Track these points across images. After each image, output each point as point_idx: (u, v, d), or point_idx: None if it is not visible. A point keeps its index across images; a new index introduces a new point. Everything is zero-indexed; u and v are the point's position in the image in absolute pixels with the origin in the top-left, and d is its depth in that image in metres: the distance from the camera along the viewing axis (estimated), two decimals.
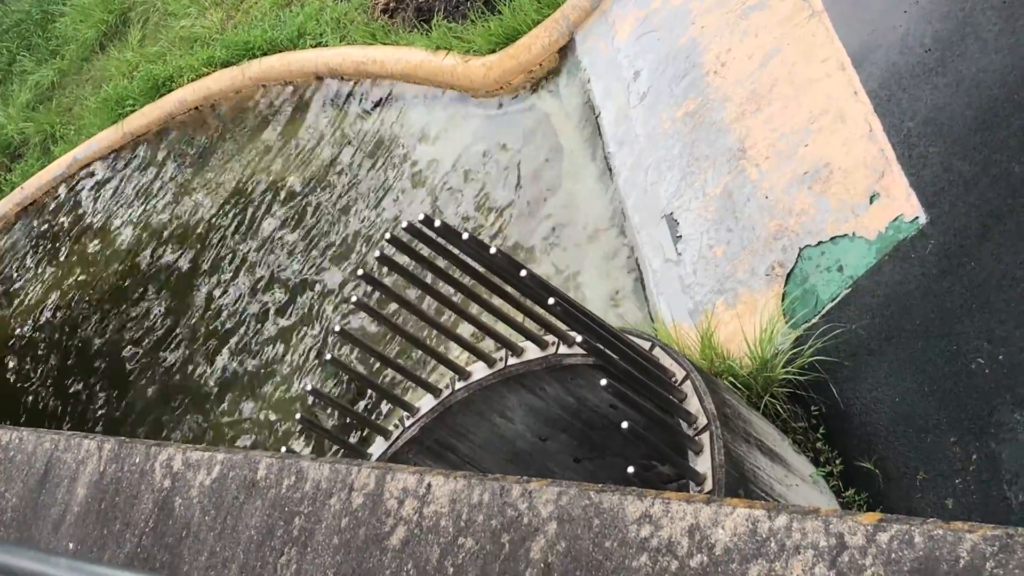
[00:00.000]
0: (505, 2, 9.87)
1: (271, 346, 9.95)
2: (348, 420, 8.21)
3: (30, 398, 12.02)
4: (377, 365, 8.08)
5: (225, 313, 10.71)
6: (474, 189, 9.32)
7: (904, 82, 6.66)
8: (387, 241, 5.30)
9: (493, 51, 9.74)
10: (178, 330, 11.07)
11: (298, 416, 5.76)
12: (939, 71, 6.54)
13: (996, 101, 6.20)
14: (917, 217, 6.17)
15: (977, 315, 5.67)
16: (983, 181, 6.01)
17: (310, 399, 8.63)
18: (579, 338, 4.66)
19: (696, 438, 4.74)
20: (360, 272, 5.34)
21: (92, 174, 14.23)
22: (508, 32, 9.65)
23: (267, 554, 3.15)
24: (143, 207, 13.00)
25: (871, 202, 6.42)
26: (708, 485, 4.59)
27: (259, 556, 3.15)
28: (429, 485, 2.90)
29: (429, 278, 5.92)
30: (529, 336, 5.41)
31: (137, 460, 3.76)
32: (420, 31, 10.66)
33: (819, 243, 6.51)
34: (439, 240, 5.16)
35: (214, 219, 11.81)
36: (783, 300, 6.49)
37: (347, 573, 2.95)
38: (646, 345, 5.28)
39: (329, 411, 8.64)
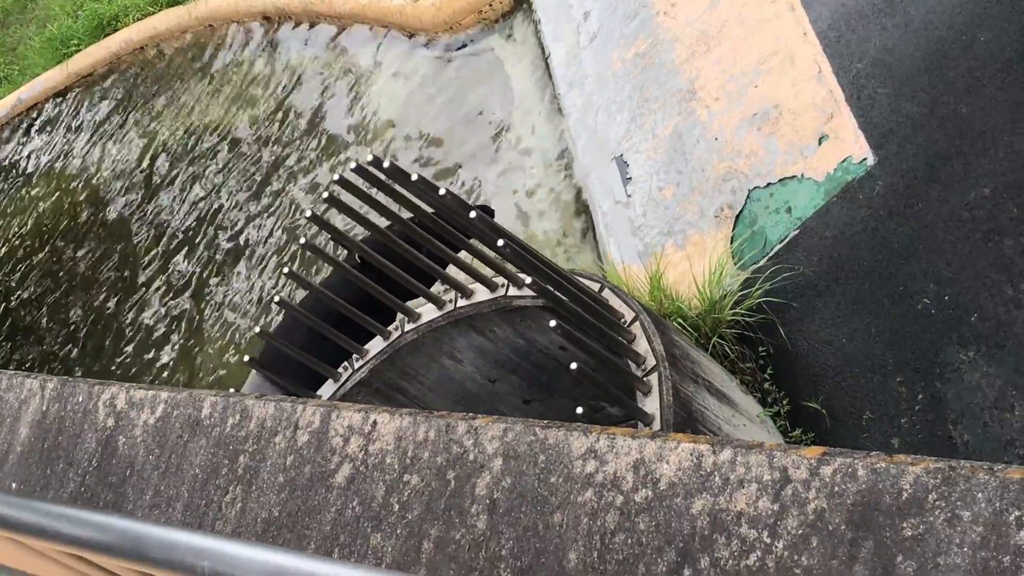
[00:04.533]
0: None
1: (221, 285, 9.90)
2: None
3: None
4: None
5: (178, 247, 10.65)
6: (422, 132, 9.26)
7: (853, 23, 6.66)
8: (336, 183, 5.27)
9: None
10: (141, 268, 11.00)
11: (246, 359, 5.73)
12: (888, 12, 6.54)
13: (944, 42, 6.21)
14: (865, 158, 6.18)
15: (924, 256, 5.70)
16: (931, 122, 6.03)
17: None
18: (528, 280, 4.65)
19: (645, 379, 4.75)
20: (308, 213, 5.30)
21: (37, 114, 14.07)
22: None
23: (212, 492, 3.13)
24: (89, 149, 12.87)
25: (820, 144, 6.43)
26: (656, 425, 4.60)
27: (204, 495, 3.14)
28: (375, 423, 2.89)
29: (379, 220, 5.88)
30: (478, 278, 5.39)
31: (80, 399, 3.73)
32: None
33: (768, 185, 6.52)
34: (388, 181, 5.13)
35: (159, 163, 11.70)
36: (732, 242, 6.50)
37: (292, 511, 2.94)
38: (595, 287, 5.28)
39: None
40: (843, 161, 6.27)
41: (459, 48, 9.49)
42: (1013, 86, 5.81)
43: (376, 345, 5.67)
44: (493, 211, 6.61)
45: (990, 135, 5.77)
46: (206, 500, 3.13)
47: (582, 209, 7.60)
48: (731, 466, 2.33)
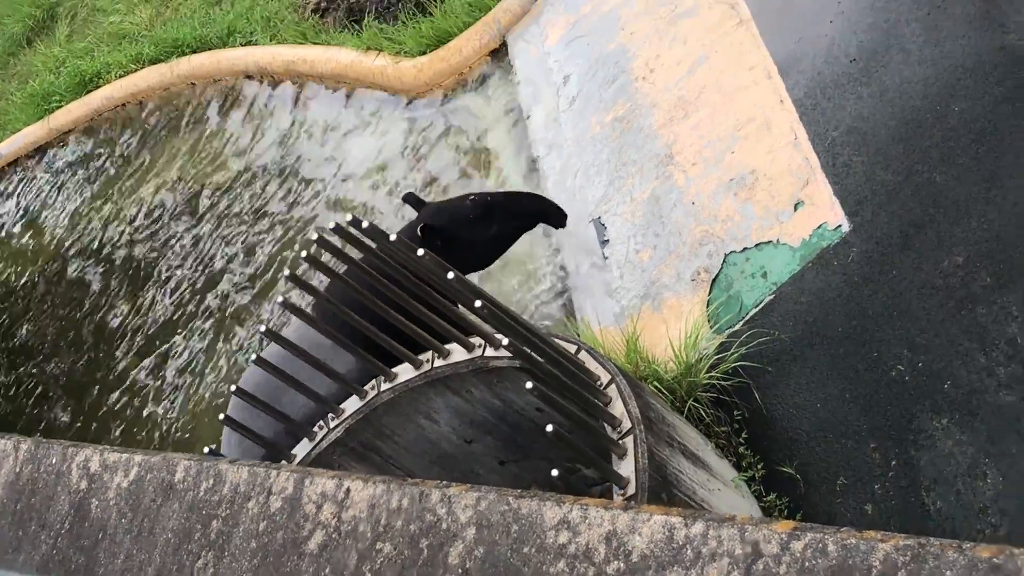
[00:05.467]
0: (436, 4, 9.87)
1: (198, 346, 9.88)
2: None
3: None
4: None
5: (149, 319, 10.63)
6: (399, 190, 9.29)
7: (829, 91, 6.73)
8: (314, 242, 5.28)
9: (424, 53, 9.73)
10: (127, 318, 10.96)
11: (221, 416, 5.71)
12: (864, 81, 6.61)
13: (919, 112, 6.28)
14: (840, 225, 6.23)
15: (898, 323, 5.74)
16: (905, 191, 6.08)
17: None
18: (505, 341, 4.66)
19: (620, 442, 4.75)
20: (287, 273, 5.31)
21: (16, 170, 14.08)
22: (439, 34, 9.65)
23: (184, 557, 3.13)
24: (69, 204, 12.86)
25: (796, 209, 6.48)
26: (631, 489, 4.60)
27: (176, 559, 3.13)
28: (348, 490, 2.90)
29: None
30: (455, 338, 5.40)
31: (54, 461, 3.72)
32: (351, 31, 10.63)
33: (744, 249, 6.56)
34: (366, 241, 5.15)
35: (135, 219, 11.70)
36: (708, 306, 6.53)
37: None
38: (572, 348, 5.29)
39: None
40: (818, 227, 6.32)
41: (438, 108, 9.54)
42: (986, 156, 5.87)
43: (352, 404, 5.67)
44: (565, 215, 6.82)
45: (964, 204, 5.82)
46: (178, 565, 3.13)
47: (559, 270, 7.62)
48: (703, 539, 2.35)
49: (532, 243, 7.86)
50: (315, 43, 10.93)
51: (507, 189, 8.15)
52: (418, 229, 6.39)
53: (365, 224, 5.02)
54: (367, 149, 9.89)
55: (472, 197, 6.62)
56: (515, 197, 6.79)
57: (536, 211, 6.77)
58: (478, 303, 4.72)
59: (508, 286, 7.81)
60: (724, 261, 6.61)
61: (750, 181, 6.76)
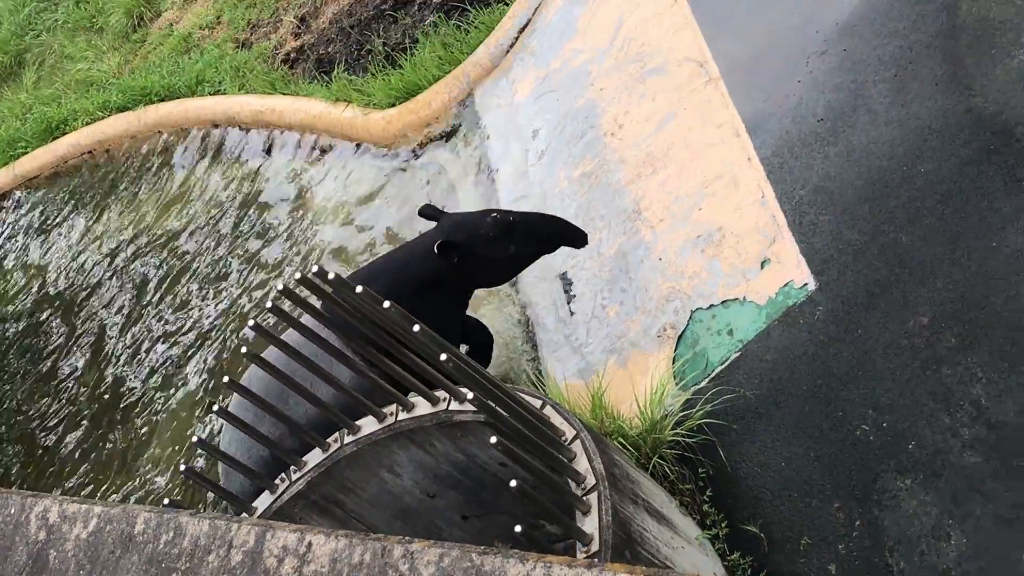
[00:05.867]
0: (406, 57, 9.89)
1: (158, 398, 9.80)
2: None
3: None
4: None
5: (116, 369, 10.54)
6: (366, 239, 9.27)
7: (797, 150, 6.77)
8: (279, 292, 5.25)
9: (393, 105, 9.74)
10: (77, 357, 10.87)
11: (183, 467, 5.65)
12: (831, 141, 6.65)
13: (885, 172, 6.32)
14: (807, 284, 6.25)
15: (863, 382, 5.75)
16: (871, 250, 6.11)
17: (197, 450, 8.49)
18: (470, 395, 4.64)
19: (584, 498, 4.73)
20: (251, 322, 5.27)
21: None
22: (409, 87, 9.66)
23: None
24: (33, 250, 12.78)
25: (762, 267, 6.49)
26: (595, 546, 4.57)
27: None
28: (310, 544, 2.86)
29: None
30: (420, 391, 5.37)
31: (12, 511, 3.67)
32: (320, 82, 10.64)
33: (710, 306, 6.57)
34: (332, 293, 5.12)
35: (98, 268, 11.63)
36: (674, 362, 6.53)
37: None
38: (537, 403, 5.27)
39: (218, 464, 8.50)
40: (784, 286, 6.34)
41: (407, 160, 9.54)
42: (952, 217, 5.91)
43: (315, 457, 5.62)
44: (586, 236, 6.73)
45: (929, 265, 5.85)
46: None
47: (525, 324, 7.61)
48: None
49: (500, 304, 7.85)
50: (284, 93, 10.93)
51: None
52: (435, 245, 6.32)
53: (331, 275, 4.99)
54: (334, 199, 9.88)
55: (494, 215, 6.54)
56: (537, 219, 6.69)
57: (557, 234, 6.67)
58: (444, 356, 4.70)
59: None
60: (690, 318, 6.62)
61: (717, 238, 6.78)
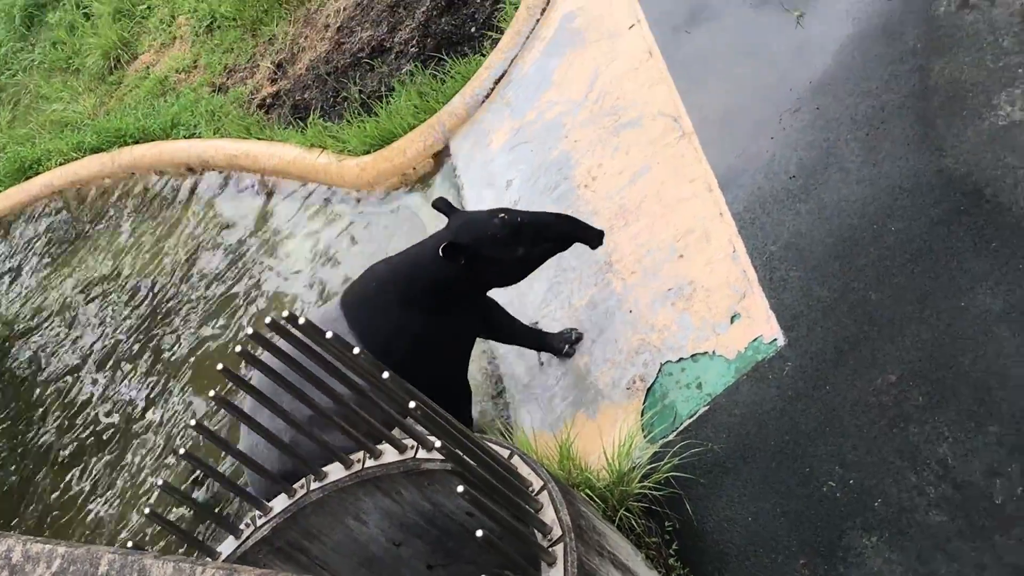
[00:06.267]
0: (382, 105, 9.93)
1: (121, 443, 9.74)
2: (201, 517, 8.05)
3: None
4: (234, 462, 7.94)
5: (80, 411, 10.48)
6: (337, 282, 9.26)
7: (768, 206, 6.81)
8: (249, 336, 5.23)
9: (368, 152, 9.76)
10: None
11: (147, 510, 5.61)
12: (802, 198, 6.70)
13: (856, 230, 6.36)
14: (776, 339, 6.27)
15: (830, 439, 5.76)
16: (841, 307, 6.14)
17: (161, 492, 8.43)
18: (438, 443, 4.63)
19: (550, 549, 4.71)
20: (220, 366, 5.25)
21: None
22: (384, 134, 9.69)
23: None
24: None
25: (732, 322, 6.52)
26: None
27: None
28: None
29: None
30: (388, 438, 5.36)
31: None
32: (296, 128, 10.66)
33: (680, 360, 6.59)
34: (302, 337, 5.11)
35: (70, 312, 11.59)
36: (643, 415, 6.53)
37: None
38: (505, 453, 5.26)
39: (182, 508, 8.45)
40: (754, 340, 6.36)
41: (379, 206, 9.55)
42: (921, 276, 5.95)
43: (280, 502, 5.59)
44: (602, 234, 6.68)
45: (898, 323, 5.89)
46: None
47: (495, 373, 7.60)
48: None
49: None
50: (259, 138, 10.94)
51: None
52: (440, 248, 6.21)
53: (301, 320, 4.98)
54: (305, 244, 9.88)
55: (502, 215, 6.44)
56: (546, 218, 6.62)
57: (568, 233, 6.62)
58: (412, 404, 4.69)
59: None
60: (660, 371, 6.63)
61: (688, 292, 6.81)
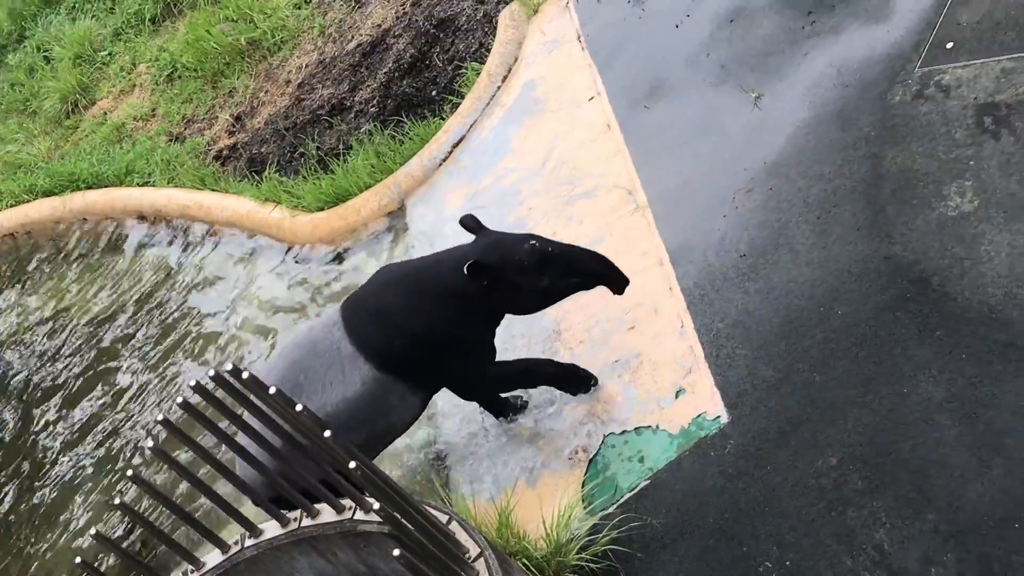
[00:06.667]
0: (339, 163, 9.94)
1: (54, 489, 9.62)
2: (132, 571, 7.94)
3: None
4: (168, 514, 7.85)
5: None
6: (285, 336, 9.22)
7: (718, 283, 6.85)
8: (191, 388, 5.19)
9: (322, 209, 9.76)
10: None
11: (78, 560, 5.53)
12: (751, 277, 6.74)
13: (803, 312, 6.40)
14: (719, 416, 6.29)
15: (769, 519, 5.76)
16: (785, 388, 6.17)
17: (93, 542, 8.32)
18: (376, 505, 4.60)
19: None
20: (160, 416, 5.21)
21: None
22: (339, 192, 9.70)
23: None
24: None
25: (677, 397, 6.53)
26: None
27: None
28: None
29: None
30: (325, 498, 5.32)
31: None
32: (251, 181, 10.65)
33: (623, 432, 6.59)
34: (245, 392, 5.07)
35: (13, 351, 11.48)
36: (583, 485, 6.52)
37: None
38: (443, 518, 5.23)
39: (112, 558, 8.34)
40: (698, 417, 6.37)
41: (331, 264, 9.53)
42: (865, 361, 5.99)
43: (213, 558, 5.53)
44: (627, 281, 6.46)
45: (841, 406, 5.91)
46: None
47: (437, 436, 7.56)
48: None
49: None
50: (213, 189, 10.92)
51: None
52: (465, 266, 6.05)
53: (245, 374, 4.95)
54: (254, 299, 9.83)
55: (533, 242, 6.24)
56: (578, 254, 6.40)
57: (596, 273, 6.41)
58: (352, 464, 4.66)
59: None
60: (603, 442, 6.63)
61: (635, 364, 6.82)
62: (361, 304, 6.47)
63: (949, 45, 6.97)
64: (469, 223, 6.46)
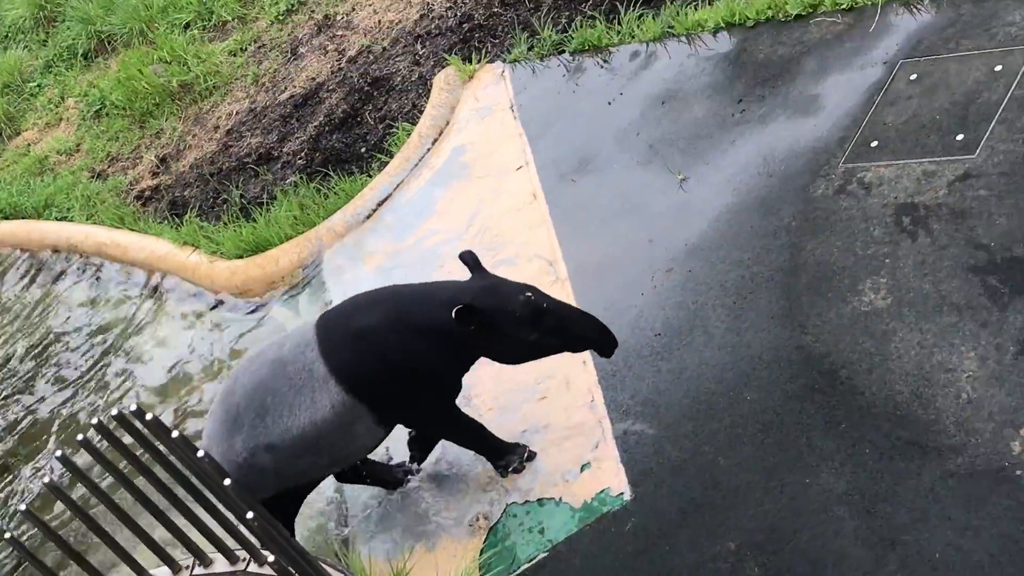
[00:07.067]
0: (262, 212, 9.90)
1: None
2: None
3: None
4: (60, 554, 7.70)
5: None
6: (195, 394, 9.12)
7: (631, 360, 6.87)
8: (93, 427, 5.11)
9: (241, 256, 9.70)
10: None
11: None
12: (665, 356, 6.78)
13: (713, 395, 6.43)
14: (623, 493, 6.28)
15: None
16: (689, 469, 6.18)
17: None
18: (271, 557, 4.55)
19: None
20: (58, 453, 5.11)
21: None
22: (259, 241, 9.65)
23: None
24: None
25: (582, 471, 6.53)
26: None
27: None
28: None
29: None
30: (221, 547, 5.24)
31: None
32: (171, 224, 10.57)
33: (526, 502, 6.57)
34: (146, 434, 5.00)
35: None
36: (481, 553, 6.48)
37: None
38: None
39: None
40: (601, 492, 6.36)
41: (245, 313, 9.46)
42: (770, 448, 6.02)
43: None
44: (615, 346, 6.30)
45: (743, 492, 5.93)
46: None
47: (338, 493, 7.49)
48: None
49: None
50: (132, 229, 10.82)
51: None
52: (454, 310, 5.85)
53: (149, 416, 4.88)
54: (163, 345, 9.73)
55: (529, 294, 6.08)
56: (572, 315, 6.23)
57: (586, 337, 6.25)
58: (250, 514, 4.61)
59: None
60: (505, 511, 6.60)
61: (543, 435, 6.81)
62: (339, 326, 6.29)
63: (874, 144, 7.09)
64: (468, 260, 6.28)
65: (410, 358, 6.16)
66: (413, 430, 6.91)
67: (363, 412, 6.18)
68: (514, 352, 6.28)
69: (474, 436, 6.66)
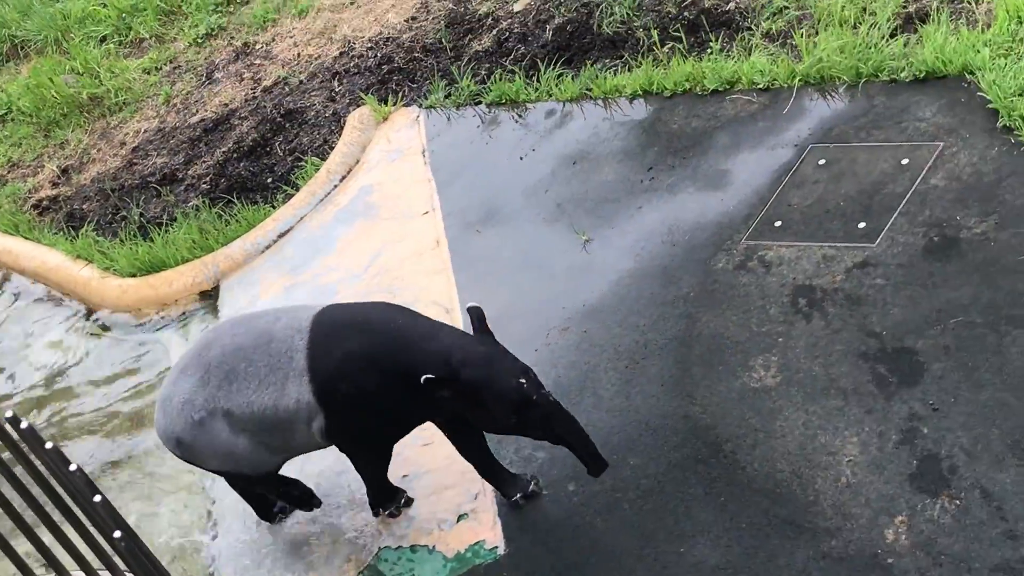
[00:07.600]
0: (160, 233, 9.78)
1: None
2: None
3: None
4: None
5: None
6: (71, 409, 8.95)
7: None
8: None
9: (134, 275, 9.56)
10: None
11: None
12: None
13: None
14: (497, 547, 6.25)
15: None
16: (565, 529, 6.17)
17: None
18: None
19: None
20: None
21: None
22: (155, 261, 9.52)
23: None
24: None
25: (458, 520, 6.49)
26: None
27: None
28: None
29: None
30: (84, 566, 5.13)
31: None
32: (67, 236, 10.39)
33: (399, 547, 6.51)
34: (20, 443, 4.90)
35: None
36: None
37: None
38: None
39: None
40: (475, 543, 6.33)
41: (130, 334, 9.31)
42: (648, 515, 6.03)
43: None
44: (605, 468, 6.00)
45: (617, 556, 5.93)
46: None
47: (209, 520, 7.37)
48: None
49: (188, 494, 7.62)
50: (26, 237, 10.63)
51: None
52: (423, 378, 5.64)
53: (24, 424, 4.78)
54: (44, 362, 9.55)
55: (523, 381, 5.79)
56: (562, 418, 5.89)
57: (571, 444, 5.94)
58: (117, 534, 4.52)
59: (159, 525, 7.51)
60: (377, 554, 6.54)
61: (423, 482, 6.76)
62: (337, 332, 6.09)
63: (777, 223, 7.18)
64: (474, 316, 6.04)
65: (384, 397, 6.00)
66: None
67: (320, 421, 6.09)
68: (487, 424, 6.09)
69: (377, 473, 6.57)
